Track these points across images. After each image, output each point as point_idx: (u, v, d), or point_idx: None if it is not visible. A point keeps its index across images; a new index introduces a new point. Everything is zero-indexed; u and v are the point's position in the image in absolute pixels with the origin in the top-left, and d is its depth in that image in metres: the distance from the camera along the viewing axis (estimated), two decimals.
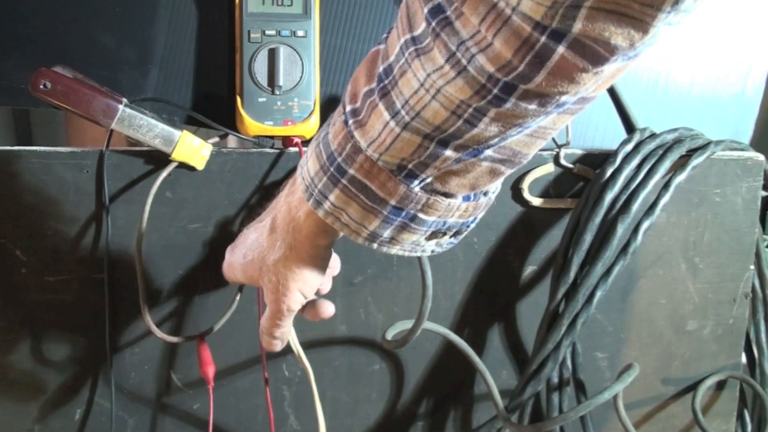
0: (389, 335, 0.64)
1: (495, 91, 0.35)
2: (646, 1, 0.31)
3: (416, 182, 0.41)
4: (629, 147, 0.68)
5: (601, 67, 0.34)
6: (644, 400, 0.76)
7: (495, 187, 0.45)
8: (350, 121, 0.41)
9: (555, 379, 0.70)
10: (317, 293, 0.55)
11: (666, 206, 0.66)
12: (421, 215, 0.42)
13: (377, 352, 0.72)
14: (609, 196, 0.66)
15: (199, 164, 0.65)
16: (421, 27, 0.36)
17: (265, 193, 0.67)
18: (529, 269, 0.72)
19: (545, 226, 0.71)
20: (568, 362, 0.70)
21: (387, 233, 0.44)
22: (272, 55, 0.65)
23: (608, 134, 0.77)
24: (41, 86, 0.59)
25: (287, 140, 0.67)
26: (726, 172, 0.72)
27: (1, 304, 0.66)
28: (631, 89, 0.77)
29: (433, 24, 0.35)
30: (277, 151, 0.67)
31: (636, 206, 0.65)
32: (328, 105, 0.70)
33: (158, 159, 0.65)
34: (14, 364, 0.67)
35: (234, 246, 0.56)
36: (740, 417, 0.79)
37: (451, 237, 0.46)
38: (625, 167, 0.67)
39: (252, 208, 0.67)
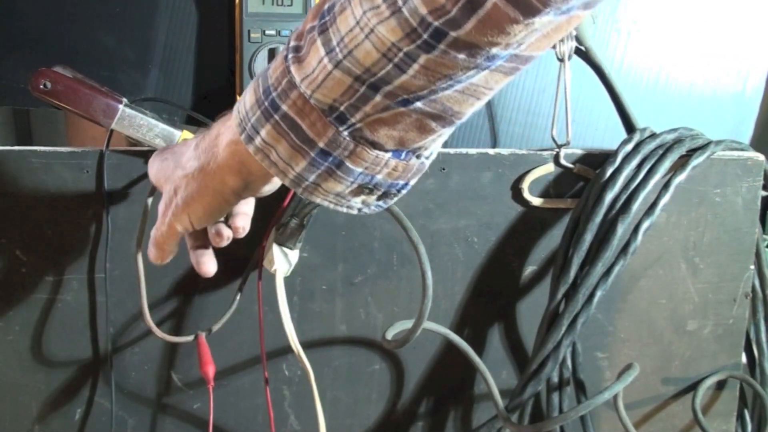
0: (389, 335, 0.64)
1: (425, 35, 0.35)
2: None
3: (345, 126, 0.40)
4: (629, 147, 0.68)
5: (532, 18, 0.34)
6: (644, 400, 0.76)
7: (429, 151, 0.44)
8: (290, 56, 0.41)
9: (555, 379, 0.70)
10: (216, 236, 0.54)
11: (666, 206, 0.66)
12: (348, 163, 0.42)
13: (377, 352, 0.72)
14: (609, 196, 0.66)
15: None
16: None
17: None
18: (529, 269, 0.72)
19: (545, 226, 0.71)
20: (568, 362, 0.70)
21: (312, 177, 0.43)
22: (272, 55, 0.65)
23: (608, 134, 0.77)
24: (41, 86, 0.59)
25: None
26: (726, 172, 0.72)
27: (1, 303, 0.66)
28: (631, 89, 0.77)
29: None
30: None
31: (636, 206, 0.65)
32: None
33: None
34: (14, 364, 0.67)
35: (162, 149, 0.55)
36: (740, 417, 0.79)
37: (378, 198, 0.45)
38: (625, 167, 0.67)
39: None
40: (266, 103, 0.42)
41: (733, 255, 0.74)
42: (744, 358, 0.78)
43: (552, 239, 0.71)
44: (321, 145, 0.41)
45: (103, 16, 0.66)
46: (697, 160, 0.68)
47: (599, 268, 0.66)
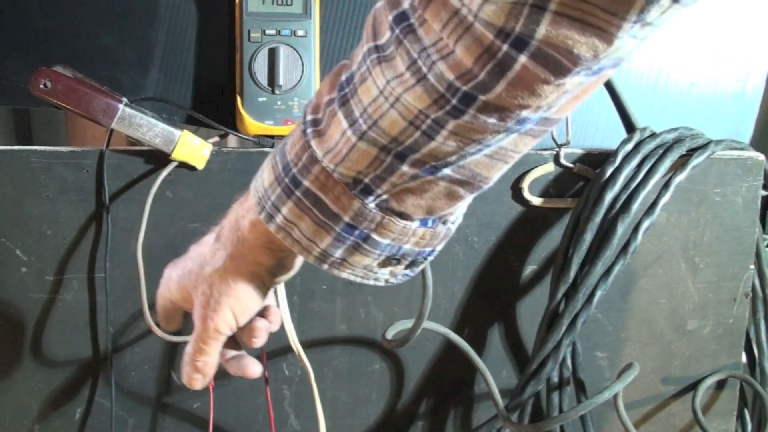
0: (389, 335, 0.64)
1: (454, 101, 0.34)
2: (611, 9, 0.30)
3: (371, 198, 0.39)
4: (629, 146, 0.68)
5: (563, 78, 0.33)
6: (644, 400, 0.76)
7: (455, 216, 0.43)
8: (309, 131, 0.39)
9: (555, 379, 0.70)
10: (252, 333, 0.50)
11: (666, 206, 0.66)
12: (374, 236, 0.40)
13: (377, 352, 0.72)
14: (609, 196, 0.66)
15: (200, 164, 0.65)
16: (385, 36, 0.36)
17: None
18: (529, 269, 0.72)
19: (545, 226, 0.71)
20: (568, 362, 0.70)
21: (339, 253, 0.41)
22: (272, 54, 0.65)
23: (608, 134, 0.77)
24: (41, 86, 0.59)
25: None
26: (726, 171, 0.72)
27: (1, 303, 0.66)
28: (631, 89, 0.77)
29: (397, 31, 0.35)
30: None
31: (636, 206, 0.65)
32: None
33: (158, 158, 0.65)
34: (14, 363, 0.67)
35: (175, 261, 0.52)
36: (740, 416, 0.79)
37: (406, 267, 0.44)
38: (625, 167, 0.67)
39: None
40: (286, 180, 0.40)
41: (733, 254, 0.74)
42: (744, 358, 0.78)
43: (552, 239, 0.71)
44: (346, 219, 0.40)
45: (103, 15, 0.66)
46: (697, 160, 0.68)
47: (599, 268, 0.66)
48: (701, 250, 0.74)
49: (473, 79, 0.33)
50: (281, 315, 0.53)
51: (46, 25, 0.65)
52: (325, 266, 0.43)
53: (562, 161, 0.70)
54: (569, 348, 0.68)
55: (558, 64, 0.32)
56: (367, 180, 0.39)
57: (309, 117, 0.40)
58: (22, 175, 0.64)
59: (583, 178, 0.70)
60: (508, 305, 0.73)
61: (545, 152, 0.70)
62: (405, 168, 0.38)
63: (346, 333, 0.71)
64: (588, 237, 0.66)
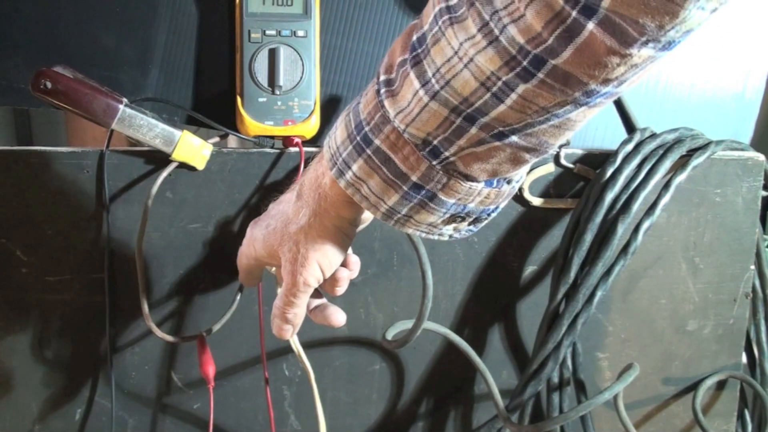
0: (389, 335, 0.64)
1: (524, 63, 0.35)
2: None
3: (439, 160, 0.40)
4: (629, 147, 0.68)
5: (629, 48, 0.33)
6: (644, 400, 0.76)
7: (519, 175, 0.44)
8: (382, 90, 0.40)
9: (555, 379, 0.70)
10: (336, 282, 0.53)
11: (666, 206, 0.66)
12: (441, 195, 0.42)
13: (378, 352, 0.72)
14: (609, 196, 0.66)
15: (200, 164, 0.65)
16: None
17: (266, 193, 0.67)
18: (530, 269, 0.72)
19: (545, 226, 0.71)
20: (569, 362, 0.70)
21: (405, 210, 0.43)
22: (272, 55, 0.65)
23: (608, 134, 0.77)
24: (41, 86, 0.59)
25: (287, 140, 0.67)
26: (726, 172, 0.72)
27: (1, 304, 0.66)
28: (632, 89, 0.76)
29: None
30: (278, 151, 0.67)
31: (636, 206, 0.65)
32: (329, 105, 0.70)
33: (158, 159, 0.65)
34: (14, 364, 0.67)
35: (257, 221, 0.54)
36: (741, 417, 0.79)
37: (470, 224, 0.45)
38: (625, 167, 0.67)
39: (252, 209, 0.67)
40: (358, 138, 0.42)
41: (734, 255, 0.74)
42: (744, 358, 0.78)
43: (552, 239, 0.71)
44: (414, 179, 0.41)
45: (104, 16, 0.66)
46: (697, 160, 0.68)
47: (599, 268, 0.66)
48: (701, 251, 0.74)
49: (543, 43, 0.34)
50: (359, 263, 0.56)
51: (46, 25, 0.65)
52: (392, 222, 0.44)
53: (563, 161, 0.70)
54: (569, 348, 0.68)
55: (624, 33, 0.32)
56: (435, 141, 0.40)
57: (383, 77, 0.41)
58: (23, 175, 0.64)
59: (584, 178, 0.70)
60: (508, 306, 0.73)
61: None
62: (473, 131, 0.38)
63: (346, 333, 0.71)
64: (588, 237, 0.66)
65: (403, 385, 0.73)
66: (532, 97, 0.36)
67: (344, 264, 0.53)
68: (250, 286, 0.59)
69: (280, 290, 0.52)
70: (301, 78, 0.65)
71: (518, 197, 0.70)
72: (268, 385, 0.67)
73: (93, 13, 0.66)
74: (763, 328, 0.76)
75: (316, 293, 0.55)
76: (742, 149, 0.73)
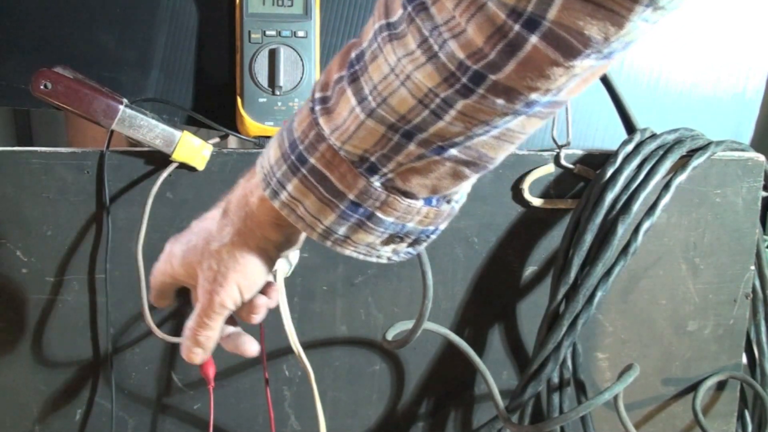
0: (390, 335, 0.64)
1: (464, 79, 0.34)
2: None
3: (377, 177, 0.39)
4: (630, 147, 0.68)
5: (573, 60, 0.33)
6: (645, 401, 0.76)
7: (459, 195, 0.43)
8: (317, 108, 0.40)
9: (555, 380, 0.70)
10: (253, 309, 0.50)
11: (666, 207, 0.66)
12: (379, 214, 0.41)
13: (378, 353, 0.72)
14: (609, 197, 0.66)
15: (200, 165, 0.65)
16: (397, 13, 0.36)
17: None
18: (530, 270, 0.72)
19: (546, 227, 0.71)
20: (569, 362, 0.70)
21: (342, 230, 0.42)
22: (273, 55, 0.65)
23: (609, 135, 0.77)
24: (42, 87, 0.59)
25: None
26: (726, 172, 0.72)
27: (1, 304, 0.66)
28: (632, 89, 0.77)
29: (409, 9, 0.35)
30: None
31: (636, 207, 0.65)
32: None
33: (159, 159, 0.65)
34: (15, 364, 0.67)
35: (177, 237, 0.51)
36: (741, 417, 0.79)
37: (409, 246, 0.44)
38: (625, 168, 0.67)
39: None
40: (293, 157, 0.41)
41: (734, 255, 0.74)
42: (744, 359, 0.78)
43: (552, 240, 0.71)
44: (351, 197, 0.40)
45: (104, 16, 0.66)
46: (697, 161, 0.68)
47: (600, 269, 0.66)
48: (701, 251, 0.74)
49: (484, 58, 0.33)
50: (280, 292, 0.54)
51: (46, 26, 0.65)
52: (329, 243, 0.43)
53: (563, 162, 0.70)
54: (569, 349, 0.68)
55: (569, 46, 0.32)
56: (373, 158, 0.39)
57: (318, 95, 0.40)
58: (23, 176, 0.64)
59: (584, 178, 0.70)
60: (508, 306, 0.73)
61: (546, 153, 0.70)
62: (412, 147, 0.38)
63: (346, 334, 0.71)
64: (588, 238, 0.66)
65: (403, 386, 0.73)
66: (472, 112, 0.35)
67: (264, 292, 0.50)
68: (160, 306, 0.56)
69: (193, 312, 0.49)
70: (301, 78, 0.65)
71: (519, 198, 0.70)
72: (269, 385, 0.67)
73: (93, 14, 0.66)
74: (763, 328, 0.76)
75: (231, 320, 0.52)
76: (743, 150, 0.73)
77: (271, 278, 0.52)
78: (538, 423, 0.66)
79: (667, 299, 0.74)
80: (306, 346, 0.67)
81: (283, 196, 0.41)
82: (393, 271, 0.70)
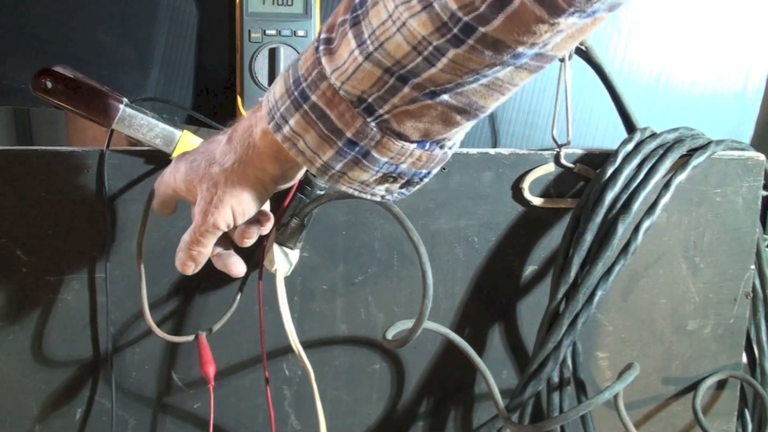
0: (390, 335, 0.64)
1: (455, 30, 0.36)
2: None
3: (373, 117, 0.42)
4: (630, 147, 0.68)
5: (557, 17, 0.35)
6: (645, 400, 0.76)
7: (452, 141, 0.45)
8: (321, 48, 0.42)
9: (555, 379, 0.70)
10: (245, 233, 0.54)
11: (666, 206, 0.66)
12: (374, 153, 0.43)
13: (378, 352, 0.72)
14: (609, 196, 0.66)
15: None
16: None
17: None
18: (530, 269, 0.72)
19: (546, 226, 0.71)
20: (569, 362, 0.70)
21: (339, 166, 0.44)
22: (273, 54, 0.65)
23: (609, 134, 0.77)
24: (42, 86, 0.59)
25: None
26: (726, 171, 0.72)
27: (1, 303, 0.66)
28: (632, 89, 0.77)
29: None
30: None
31: (636, 206, 0.65)
32: None
33: (159, 159, 0.65)
34: (14, 363, 0.67)
35: (185, 153, 0.55)
36: (741, 417, 0.79)
37: (401, 186, 0.47)
38: (625, 167, 0.67)
39: None
40: (296, 93, 0.43)
41: (734, 255, 0.74)
42: (744, 358, 0.78)
43: (552, 239, 0.71)
44: (348, 135, 0.42)
45: (104, 16, 0.66)
46: (697, 160, 0.68)
47: (600, 268, 0.65)
48: (702, 251, 0.74)
49: (475, 11, 0.35)
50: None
51: (46, 25, 0.65)
52: (326, 178, 0.45)
53: (563, 161, 0.70)
54: (570, 348, 0.68)
55: (554, 4, 0.34)
56: (370, 99, 0.41)
57: (323, 35, 0.42)
58: (23, 175, 0.64)
59: (584, 178, 0.70)
60: (508, 305, 0.73)
61: (545, 152, 0.70)
62: (406, 90, 0.40)
63: (346, 333, 0.71)
64: (588, 237, 0.66)
65: (403, 385, 0.73)
66: (462, 61, 0.38)
67: (258, 220, 0.54)
68: (163, 214, 0.60)
69: (190, 227, 0.53)
70: None
71: (518, 197, 0.70)
72: (269, 384, 0.67)
73: (93, 13, 0.66)
74: (763, 327, 0.76)
75: (225, 242, 0.57)
76: (743, 149, 0.73)
77: (266, 207, 0.56)
78: (538, 422, 0.66)
79: (667, 298, 0.74)
80: (306, 346, 0.67)
81: (286, 129, 0.44)
82: (393, 271, 0.70)
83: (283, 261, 0.61)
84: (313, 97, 0.42)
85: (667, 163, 0.67)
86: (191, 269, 0.55)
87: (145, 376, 0.69)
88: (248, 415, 0.71)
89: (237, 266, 0.57)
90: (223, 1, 0.67)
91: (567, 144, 0.70)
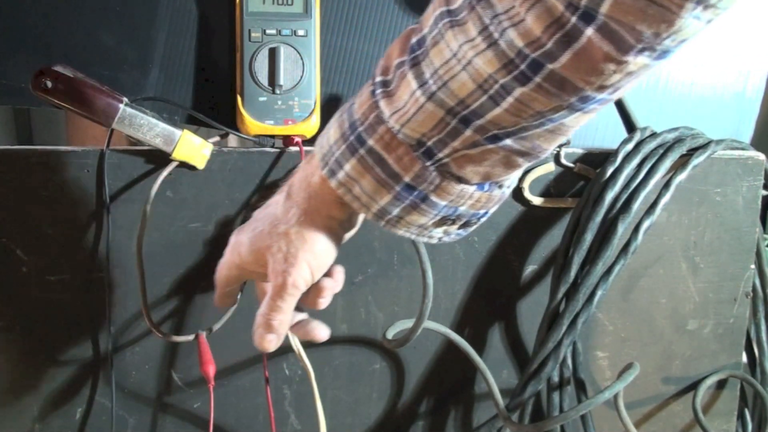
0: (390, 334, 0.64)
1: (522, 66, 0.35)
2: None
3: (432, 161, 0.41)
4: (630, 146, 0.68)
5: (625, 55, 0.34)
6: (645, 400, 0.76)
7: (510, 181, 0.45)
8: (378, 91, 0.41)
9: (555, 379, 0.70)
10: (319, 292, 0.52)
11: (667, 205, 0.66)
12: (433, 197, 0.42)
13: (378, 352, 0.72)
14: (609, 196, 0.66)
15: (200, 163, 0.65)
16: (457, 1, 0.37)
17: (266, 192, 0.67)
18: (530, 268, 0.72)
19: (546, 226, 0.71)
20: (569, 361, 0.70)
21: (396, 211, 0.43)
22: (273, 54, 0.65)
23: (609, 133, 0.77)
24: (42, 85, 0.59)
25: (288, 139, 0.67)
26: (727, 171, 0.72)
27: (1, 303, 0.66)
28: (632, 89, 0.76)
29: None
30: (278, 150, 0.67)
31: (636, 205, 0.65)
32: (329, 104, 0.70)
33: (159, 158, 0.65)
34: (15, 363, 0.67)
35: (240, 229, 0.53)
36: (741, 416, 0.79)
37: (459, 227, 0.46)
38: (625, 166, 0.67)
39: (252, 208, 0.67)
40: (352, 138, 0.42)
41: (734, 254, 0.74)
42: (744, 358, 0.78)
43: (552, 239, 0.71)
44: (407, 179, 0.41)
45: (104, 15, 0.66)
46: (697, 160, 0.68)
47: (600, 268, 0.66)
48: (702, 250, 0.74)
49: (541, 47, 0.34)
50: (343, 274, 0.54)
51: (46, 25, 0.65)
52: (382, 223, 0.44)
53: (563, 161, 0.70)
54: (570, 348, 0.68)
55: (621, 39, 0.33)
56: (429, 143, 0.40)
57: (378, 78, 0.41)
58: (23, 175, 0.64)
59: (584, 177, 0.70)
60: (508, 305, 0.73)
61: None
62: (468, 133, 0.39)
63: (346, 333, 0.71)
64: (588, 237, 0.66)
65: (403, 385, 0.73)
66: (528, 101, 0.37)
67: (328, 274, 0.52)
68: (224, 305, 0.57)
69: (265, 300, 0.50)
70: (301, 77, 0.65)
71: (519, 197, 0.70)
72: (269, 384, 0.67)
73: (93, 13, 0.66)
74: (763, 327, 0.76)
75: (297, 308, 0.53)
76: (743, 148, 0.73)
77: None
78: (538, 422, 0.66)
79: (667, 298, 0.74)
80: (306, 345, 0.67)
81: (341, 175, 0.43)
82: (393, 271, 0.70)
83: None
84: (371, 142, 0.41)
85: (667, 163, 0.67)
86: (273, 344, 0.51)
87: (145, 376, 0.69)
88: (248, 414, 0.71)
89: (321, 330, 0.54)
90: (224, 1, 0.67)
91: (567, 143, 0.70)
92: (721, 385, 0.77)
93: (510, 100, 0.37)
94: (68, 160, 0.64)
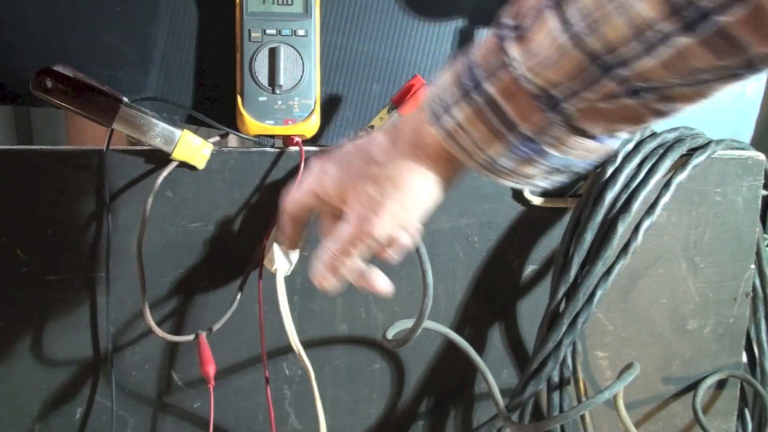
0: (390, 334, 0.64)
1: (689, 15, 0.31)
2: None
3: (556, 113, 0.37)
4: (630, 146, 0.68)
5: None
6: (645, 400, 0.76)
7: (625, 132, 0.41)
8: (507, 34, 0.37)
9: (555, 378, 0.70)
10: (391, 245, 0.47)
11: (667, 205, 0.66)
12: (550, 150, 0.39)
13: (378, 352, 0.72)
14: (609, 195, 0.66)
15: (200, 163, 0.65)
16: None
17: (266, 192, 0.67)
18: (530, 268, 0.72)
19: (546, 226, 0.71)
20: (569, 361, 0.70)
21: (506, 162, 0.40)
22: (273, 54, 0.65)
23: None
24: (42, 85, 0.59)
25: (288, 139, 0.67)
26: (727, 171, 0.72)
27: (1, 303, 0.66)
28: None
29: None
30: (278, 150, 0.67)
31: (636, 205, 0.65)
32: (329, 104, 0.70)
33: (159, 158, 0.65)
34: (15, 363, 0.67)
35: (326, 156, 0.48)
36: (741, 416, 0.79)
37: (563, 174, 0.42)
38: (625, 166, 0.67)
39: (253, 208, 0.67)
40: (470, 85, 0.39)
41: (734, 254, 0.74)
42: (744, 358, 0.78)
43: (552, 238, 0.71)
44: (524, 130, 0.38)
45: (104, 15, 0.66)
46: (697, 160, 0.68)
47: (600, 268, 0.66)
48: (702, 250, 0.74)
49: None
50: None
51: (46, 25, 0.65)
52: (486, 172, 0.41)
53: None
54: (570, 348, 0.68)
55: None
56: (558, 92, 0.36)
57: (509, 22, 0.38)
58: (23, 175, 0.64)
59: (584, 177, 0.70)
60: (508, 305, 0.73)
61: None
62: (607, 82, 0.35)
63: (346, 333, 0.71)
64: (588, 237, 0.66)
65: (403, 385, 0.73)
66: (688, 56, 0.32)
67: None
68: (292, 241, 0.52)
69: (336, 236, 0.46)
70: (301, 77, 0.65)
71: (519, 196, 0.70)
72: (269, 384, 0.67)
73: (93, 13, 0.66)
74: (763, 327, 0.76)
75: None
76: (743, 148, 0.73)
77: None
78: (538, 422, 0.66)
79: (667, 298, 0.74)
80: (306, 345, 0.67)
81: (450, 124, 0.40)
82: (393, 270, 0.70)
83: (283, 260, 0.61)
84: (490, 89, 0.38)
85: (667, 163, 0.67)
86: (333, 287, 0.47)
87: (145, 376, 0.69)
88: (248, 414, 0.71)
89: (384, 282, 0.50)
90: (223, 1, 0.67)
91: None
92: (721, 385, 0.77)
93: (667, 50, 0.32)
94: (68, 160, 0.64)
